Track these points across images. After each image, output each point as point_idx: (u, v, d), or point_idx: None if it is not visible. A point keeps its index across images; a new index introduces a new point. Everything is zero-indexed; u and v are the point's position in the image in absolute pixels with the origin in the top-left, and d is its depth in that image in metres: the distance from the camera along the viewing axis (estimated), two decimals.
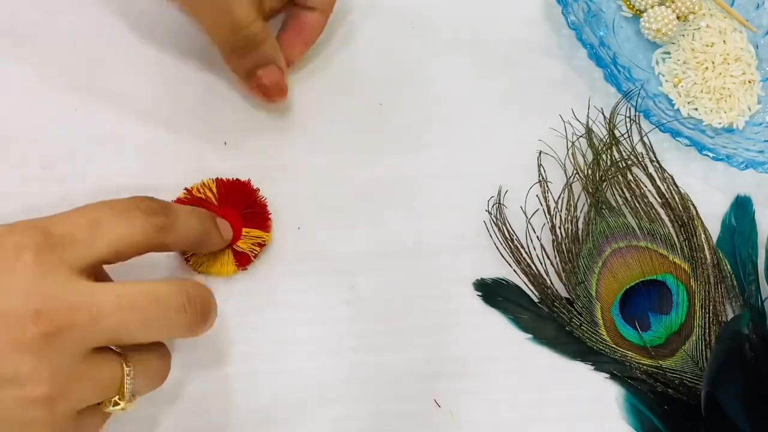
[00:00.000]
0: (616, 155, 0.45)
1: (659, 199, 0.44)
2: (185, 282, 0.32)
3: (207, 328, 0.33)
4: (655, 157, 0.45)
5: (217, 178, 0.41)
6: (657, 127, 0.45)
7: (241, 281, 0.41)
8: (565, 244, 0.43)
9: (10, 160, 0.42)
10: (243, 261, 0.40)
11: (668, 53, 0.49)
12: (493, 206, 0.44)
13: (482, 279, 0.42)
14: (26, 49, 0.43)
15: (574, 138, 0.45)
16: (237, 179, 0.42)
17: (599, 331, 0.42)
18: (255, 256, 0.40)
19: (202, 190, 0.41)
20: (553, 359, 0.41)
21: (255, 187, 0.41)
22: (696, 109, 0.47)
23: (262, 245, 0.40)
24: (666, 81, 0.48)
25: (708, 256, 0.43)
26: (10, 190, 0.41)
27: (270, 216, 0.41)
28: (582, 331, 0.42)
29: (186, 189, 0.41)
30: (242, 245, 0.40)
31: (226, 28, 0.38)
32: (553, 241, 0.43)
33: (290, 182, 0.43)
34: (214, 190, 0.41)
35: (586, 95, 0.47)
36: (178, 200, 0.41)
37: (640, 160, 0.45)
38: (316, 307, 0.41)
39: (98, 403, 0.31)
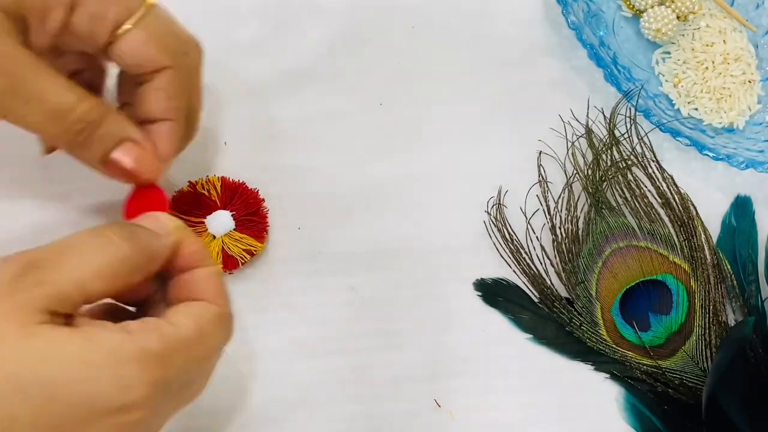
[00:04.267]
0: (616, 155, 0.45)
1: (659, 199, 0.44)
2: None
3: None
4: (655, 157, 0.45)
5: (223, 177, 0.41)
6: (657, 127, 0.45)
7: (240, 281, 0.41)
8: (565, 244, 0.43)
9: (10, 160, 0.42)
10: (230, 265, 0.40)
11: (668, 53, 0.49)
12: (493, 206, 0.44)
13: (482, 279, 0.42)
14: None
15: (574, 138, 0.45)
16: (243, 183, 0.41)
17: (599, 331, 0.42)
18: (243, 263, 0.40)
19: (206, 186, 0.41)
20: (553, 359, 0.41)
21: (261, 197, 0.41)
22: (696, 109, 0.47)
23: (252, 254, 0.40)
24: (666, 81, 0.48)
25: (708, 256, 0.43)
26: (11, 190, 0.41)
27: (268, 228, 0.41)
28: (582, 331, 0.42)
29: (190, 182, 0.41)
30: (234, 249, 0.40)
31: (49, 120, 0.32)
32: (553, 241, 0.43)
33: (290, 182, 0.43)
34: (218, 189, 0.41)
35: (586, 95, 0.47)
36: (181, 192, 0.41)
37: (640, 160, 0.45)
38: (316, 307, 0.41)
39: None
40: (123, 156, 0.34)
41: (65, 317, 0.28)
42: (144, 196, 0.37)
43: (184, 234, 0.32)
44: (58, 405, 0.26)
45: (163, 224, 0.32)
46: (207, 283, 0.31)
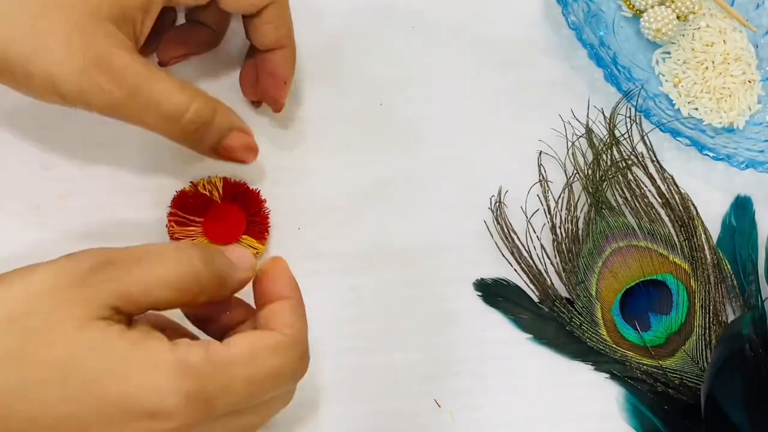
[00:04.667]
0: (616, 155, 0.45)
1: (659, 199, 0.44)
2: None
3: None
4: (655, 157, 0.45)
5: (224, 177, 0.41)
6: (657, 127, 0.45)
7: None
8: (565, 244, 0.43)
9: (10, 160, 0.42)
10: None
11: (668, 53, 0.49)
12: (493, 206, 0.44)
13: (482, 279, 0.42)
14: None
15: (574, 138, 0.45)
16: (244, 182, 0.41)
17: (599, 331, 0.42)
18: None
19: (208, 187, 0.41)
20: (553, 359, 0.41)
21: (262, 198, 0.41)
22: (696, 109, 0.47)
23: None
24: (666, 81, 0.48)
25: (708, 256, 0.43)
26: (11, 190, 0.41)
27: (269, 229, 0.41)
28: (582, 331, 0.42)
29: (192, 182, 0.41)
30: None
31: (165, 123, 0.34)
32: (553, 240, 0.43)
33: (290, 182, 0.43)
34: (220, 190, 0.41)
35: (586, 95, 0.47)
36: (183, 192, 0.41)
37: (640, 160, 0.45)
38: (316, 307, 0.41)
39: None
40: (231, 143, 0.37)
41: (127, 317, 0.28)
42: (223, 212, 0.40)
43: (273, 268, 0.33)
44: (91, 399, 0.27)
45: (246, 260, 0.32)
46: (279, 312, 0.31)
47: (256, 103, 0.43)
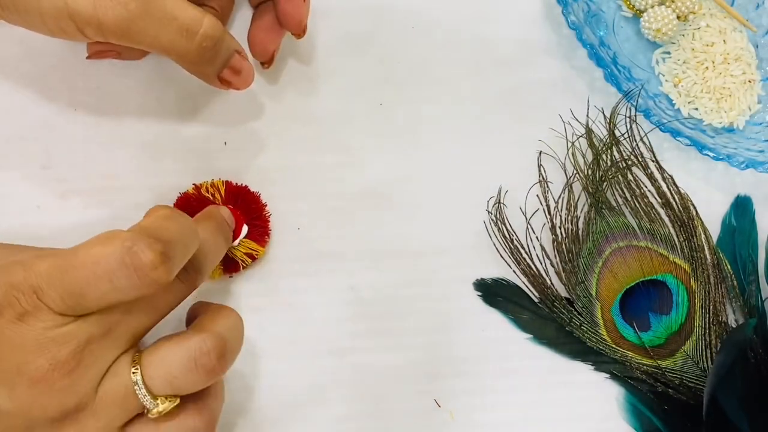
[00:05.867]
0: (616, 155, 0.45)
1: (659, 199, 0.44)
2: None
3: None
4: (655, 157, 0.45)
5: (227, 181, 0.41)
6: (657, 127, 0.45)
7: (241, 281, 0.41)
8: (565, 244, 0.43)
9: (10, 160, 0.42)
10: (231, 268, 0.40)
11: (668, 53, 0.49)
12: (493, 206, 0.44)
13: (482, 279, 0.42)
14: (26, 49, 0.43)
15: (574, 138, 0.45)
16: (246, 186, 0.41)
17: (599, 331, 0.42)
18: (245, 267, 0.40)
19: (210, 190, 0.41)
20: (553, 359, 0.42)
21: (263, 202, 0.41)
22: (696, 109, 0.47)
23: (254, 258, 0.40)
24: (666, 81, 0.48)
25: (708, 256, 0.43)
26: (11, 190, 0.41)
27: (270, 232, 0.41)
28: (582, 331, 0.42)
29: (194, 185, 0.41)
30: (236, 252, 0.40)
31: (181, 37, 0.34)
32: (553, 241, 0.43)
33: (290, 182, 0.43)
34: (222, 193, 0.41)
35: (586, 95, 0.47)
36: (185, 195, 0.41)
37: (640, 160, 0.45)
38: (316, 307, 0.41)
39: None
40: (234, 67, 0.37)
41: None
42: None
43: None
44: None
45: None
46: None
47: (266, 63, 0.43)
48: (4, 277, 0.28)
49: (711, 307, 0.42)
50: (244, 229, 0.40)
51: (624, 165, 0.45)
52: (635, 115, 0.46)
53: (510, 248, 0.43)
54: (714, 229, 0.45)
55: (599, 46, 0.47)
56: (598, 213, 0.44)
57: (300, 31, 0.41)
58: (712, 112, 0.47)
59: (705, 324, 0.42)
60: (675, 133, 0.44)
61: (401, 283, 0.42)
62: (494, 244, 0.43)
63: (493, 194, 0.44)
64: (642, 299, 0.43)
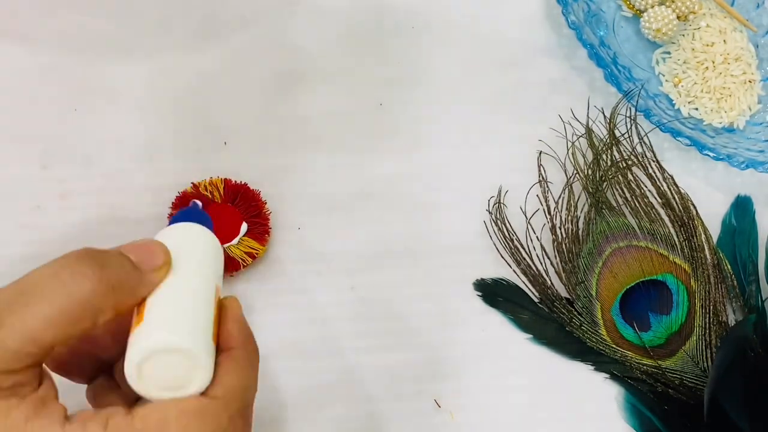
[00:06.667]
0: (616, 155, 0.45)
1: (659, 199, 0.44)
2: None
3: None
4: (655, 157, 0.45)
5: (226, 179, 0.41)
6: (657, 127, 0.45)
7: (241, 281, 0.41)
8: (565, 244, 0.43)
9: (10, 160, 0.42)
10: (231, 267, 0.40)
11: (668, 53, 0.49)
12: (493, 206, 0.44)
13: (482, 279, 0.42)
14: (26, 49, 0.43)
15: (574, 138, 0.45)
16: (245, 184, 0.41)
17: (599, 331, 0.42)
18: (245, 266, 0.40)
19: (209, 189, 0.41)
20: (553, 359, 0.41)
21: (263, 200, 0.41)
22: (696, 109, 0.47)
23: (254, 257, 0.40)
24: (666, 81, 0.48)
25: (708, 256, 0.43)
26: (11, 190, 0.41)
27: (270, 230, 0.41)
28: (582, 331, 0.42)
29: (193, 183, 0.41)
30: (236, 251, 0.40)
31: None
32: (553, 241, 0.43)
33: (290, 182, 0.43)
34: (221, 191, 0.41)
35: (586, 95, 0.47)
36: (184, 193, 0.41)
37: (640, 160, 0.45)
38: (316, 307, 0.41)
39: None
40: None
41: (30, 369, 0.25)
42: (224, 213, 0.40)
43: (223, 311, 0.29)
44: None
45: (152, 259, 0.28)
46: (215, 369, 0.27)
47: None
48: None
49: (711, 307, 0.42)
50: (244, 226, 0.40)
51: (624, 165, 0.45)
52: (635, 115, 0.46)
53: (510, 248, 0.43)
54: (714, 229, 0.45)
55: (599, 46, 0.47)
56: (598, 213, 0.44)
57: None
58: (712, 112, 0.47)
59: (705, 324, 0.42)
60: (675, 133, 0.44)
61: (401, 283, 0.42)
62: (494, 244, 0.43)
63: (493, 194, 0.44)
64: (642, 299, 0.43)
